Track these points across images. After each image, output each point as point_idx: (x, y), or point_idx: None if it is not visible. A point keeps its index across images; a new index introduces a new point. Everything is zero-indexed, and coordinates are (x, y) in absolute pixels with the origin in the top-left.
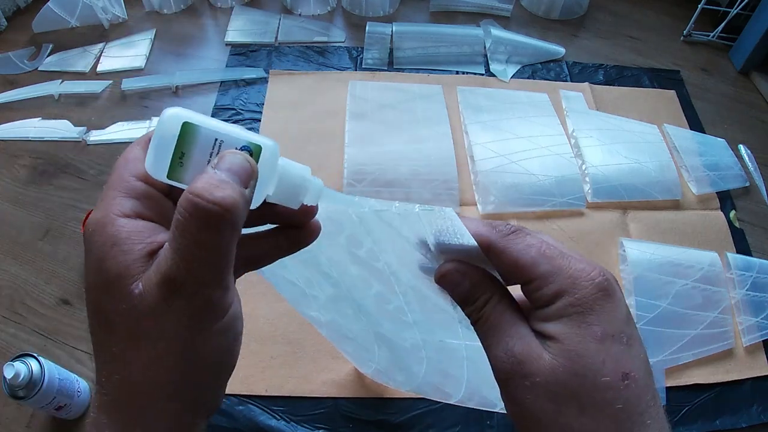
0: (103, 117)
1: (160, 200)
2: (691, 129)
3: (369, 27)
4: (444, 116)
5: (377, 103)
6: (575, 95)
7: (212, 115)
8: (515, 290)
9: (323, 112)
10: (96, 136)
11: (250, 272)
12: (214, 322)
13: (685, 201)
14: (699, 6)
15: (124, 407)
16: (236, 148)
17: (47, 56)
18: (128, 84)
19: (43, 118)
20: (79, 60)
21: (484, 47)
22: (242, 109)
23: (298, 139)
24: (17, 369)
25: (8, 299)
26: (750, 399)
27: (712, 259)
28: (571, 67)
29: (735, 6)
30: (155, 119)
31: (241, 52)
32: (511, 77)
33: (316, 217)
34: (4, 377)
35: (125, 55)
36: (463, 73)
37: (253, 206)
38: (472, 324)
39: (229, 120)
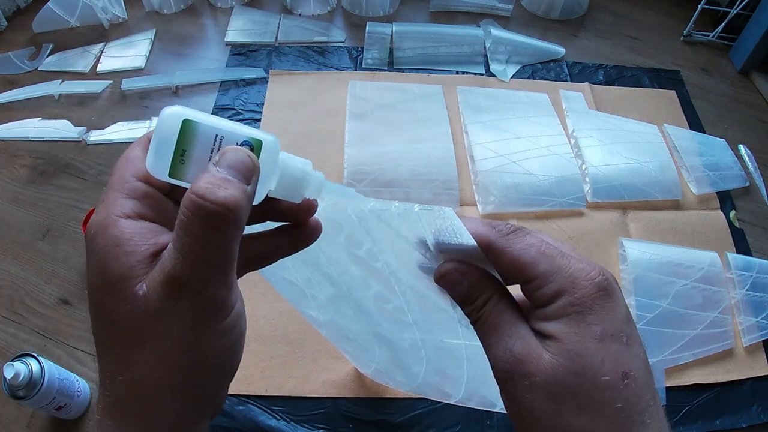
0: (103, 117)
1: (161, 200)
2: (691, 129)
3: (369, 27)
4: (444, 116)
5: (377, 103)
6: (575, 95)
7: None
8: (515, 290)
9: (323, 112)
10: (96, 136)
11: (250, 272)
12: (218, 321)
13: (685, 201)
14: (699, 6)
15: (129, 408)
16: (237, 144)
17: (47, 56)
18: (128, 84)
19: (43, 118)
20: (79, 60)
21: (484, 47)
22: (242, 109)
23: (298, 139)
24: (17, 369)
25: (8, 299)
26: (750, 399)
27: (712, 259)
28: (571, 67)
29: (735, 6)
30: (155, 119)
31: (241, 52)
32: (511, 77)
33: (316, 216)
34: (4, 377)
35: (125, 55)
36: (463, 73)
37: (255, 202)
38: (471, 323)
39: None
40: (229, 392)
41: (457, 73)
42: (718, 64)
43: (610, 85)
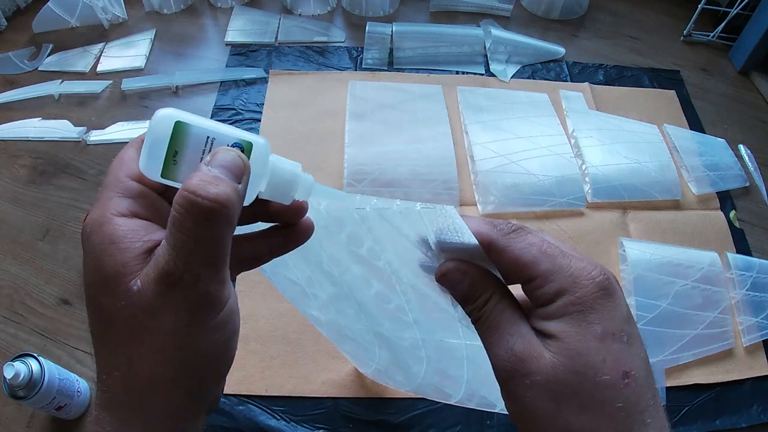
0: (103, 117)
1: (155, 199)
2: (691, 129)
3: (369, 27)
4: (444, 116)
5: (377, 103)
6: (575, 95)
7: (212, 116)
8: (516, 290)
9: (323, 112)
10: (96, 136)
11: (250, 272)
12: (212, 315)
13: (685, 201)
14: (699, 6)
15: (125, 403)
16: (228, 146)
17: (47, 56)
18: (128, 84)
19: (43, 118)
20: (79, 60)
21: (484, 47)
22: (242, 109)
23: (298, 139)
24: (17, 369)
25: (8, 299)
26: (750, 399)
27: (712, 259)
28: (571, 67)
29: (735, 6)
30: None
31: (241, 52)
32: (511, 77)
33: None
34: (4, 377)
35: (125, 55)
36: (463, 73)
37: (246, 202)
38: (472, 323)
39: (229, 120)
40: (229, 392)
41: (457, 73)
42: (718, 64)
43: (610, 85)
